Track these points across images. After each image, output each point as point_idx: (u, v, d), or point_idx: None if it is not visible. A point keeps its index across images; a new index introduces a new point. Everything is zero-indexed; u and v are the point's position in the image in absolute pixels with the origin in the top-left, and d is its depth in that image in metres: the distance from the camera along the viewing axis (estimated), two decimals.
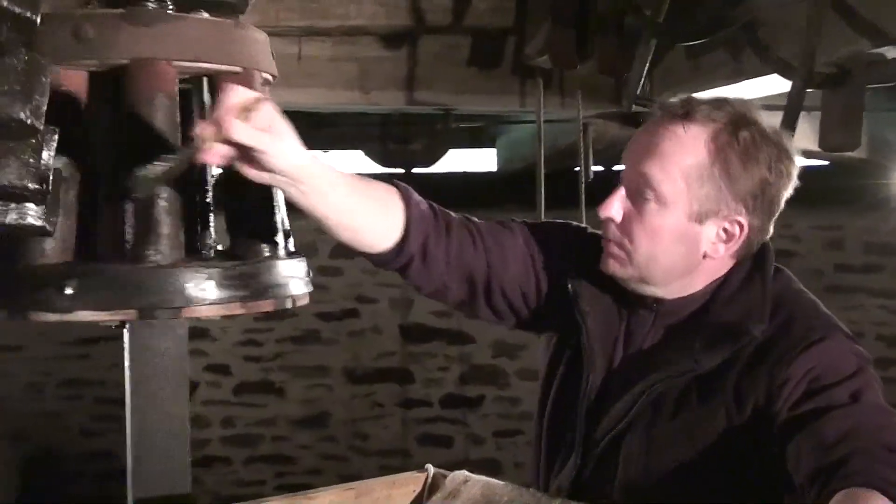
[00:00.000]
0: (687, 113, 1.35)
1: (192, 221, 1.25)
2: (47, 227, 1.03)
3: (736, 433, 1.33)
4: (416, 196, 1.48)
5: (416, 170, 5.45)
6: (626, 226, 1.40)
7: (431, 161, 5.51)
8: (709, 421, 1.34)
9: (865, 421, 1.23)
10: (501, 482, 1.26)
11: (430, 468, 1.34)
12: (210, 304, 1.20)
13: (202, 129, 1.09)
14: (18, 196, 0.96)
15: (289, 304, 1.30)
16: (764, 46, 1.92)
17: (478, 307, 1.55)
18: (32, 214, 1.00)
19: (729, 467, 1.34)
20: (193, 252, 1.24)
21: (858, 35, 1.97)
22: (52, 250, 1.15)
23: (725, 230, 1.38)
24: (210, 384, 5.10)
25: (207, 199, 1.30)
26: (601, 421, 1.42)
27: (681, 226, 1.37)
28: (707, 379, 1.35)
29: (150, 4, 1.24)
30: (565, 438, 1.47)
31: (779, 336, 1.34)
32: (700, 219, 1.37)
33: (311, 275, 1.36)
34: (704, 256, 1.40)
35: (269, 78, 1.37)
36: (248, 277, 1.24)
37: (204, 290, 1.19)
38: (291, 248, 1.34)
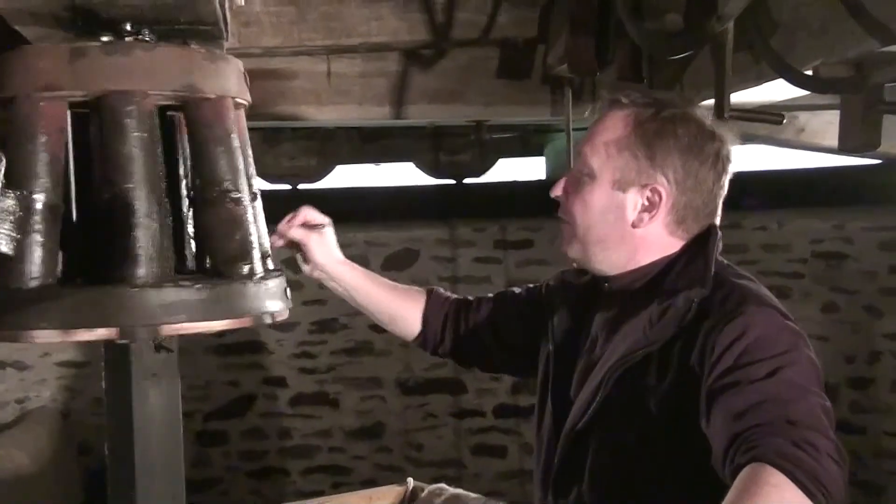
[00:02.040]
0: (616, 100, 1.54)
1: (170, 241, 1.29)
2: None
3: (687, 405, 1.36)
4: (444, 300, 1.95)
5: (466, 180, 5.49)
6: (567, 204, 1.58)
7: (481, 171, 5.54)
8: (665, 396, 1.39)
9: (775, 396, 1.25)
10: (475, 495, 1.27)
11: (411, 481, 1.36)
12: (188, 321, 1.24)
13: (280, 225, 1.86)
14: None
15: (267, 320, 1.33)
16: (767, 48, 1.87)
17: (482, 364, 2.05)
18: None
19: (688, 443, 1.36)
20: (170, 271, 1.27)
21: (867, 34, 1.91)
22: (37, 273, 1.20)
23: (648, 199, 1.49)
24: (267, 397, 5.20)
25: (184, 219, 1.34)
26: (569, 412, 1.47)
27: (606, 194, 1.51)
28: (661, 355, 1.41)
29: (129, 35, 1.30)
30: (541, 436, 1.53)
31: (715, 306, 1.41)
32: (622, 186, 1.50)
33: (288, 292, 1.39)
34: (634, 226, 1.50)
35: (243, 103, 1.41)
36: (225, 295, 1.28)
37: (183, 307, 1.23)
38: (270, 266, 1.37)
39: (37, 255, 1.20)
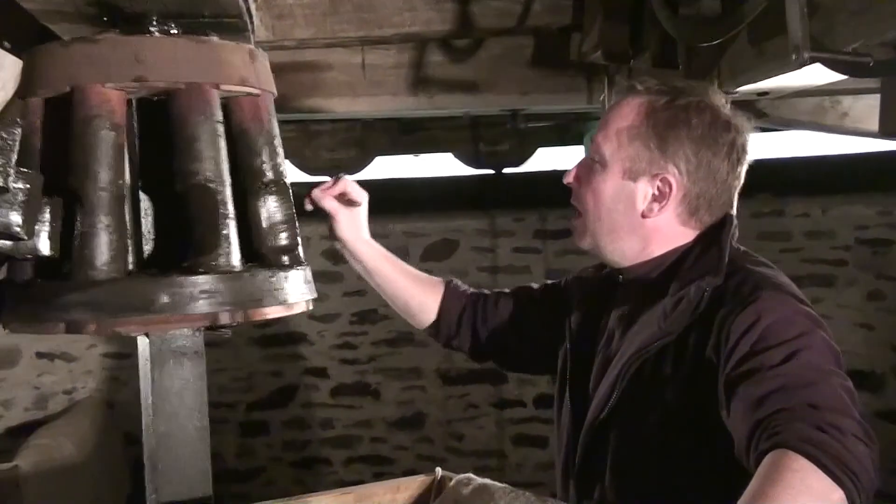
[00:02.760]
0: (633, 87, 1.51)
1: (153, 236, 1.30)
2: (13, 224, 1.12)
3: (705, 396, 1.34)
4: (463, 293, 1.92)
5: (505, 170, 5.46)
6: (578, 191, 1.56)
7: (520, 161, 5.51)
8: (682, 387, 1.37)
9: (794, 380, 1.22)
10: (501, 485, 1.27)
11: (439, 471, 1.36)
12: (232, 310, 1.25)
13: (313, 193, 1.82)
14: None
15: (308, 308, 1.34)
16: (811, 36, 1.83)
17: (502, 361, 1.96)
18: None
19: (708, 434, 1.34)
20: (163, 265, 1.28)
21: None
22: (103, 264, 1.21)
23: (659, 189, 1.46)
24: (309, 387, 5.25)
25: (161, 213, 1.34)
26: (588, 407, 1.46)
27: (617, 183, 1.49)
28: (677, 346, 1.39)
29: (153, 29, 1.31)
30: (560, 431, 1.52)
31: (729, 294, 1.38)
32: (633, 176, 1.47)
33: (312, 283, 1.40)
34: (644, 216, 1.48)
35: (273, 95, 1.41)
36: (286, 283, 1.30)
37: (224, 297, 1.24)
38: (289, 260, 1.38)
39: (110, 245, 1.21)
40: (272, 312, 1.28)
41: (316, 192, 1.82)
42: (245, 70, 1.30)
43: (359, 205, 1.86)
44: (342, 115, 4.10)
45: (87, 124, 1.21)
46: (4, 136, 1.07)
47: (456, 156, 5.50)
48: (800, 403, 1.17)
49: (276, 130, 1.39)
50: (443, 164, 5.58)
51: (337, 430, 5.27)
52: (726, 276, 1.41)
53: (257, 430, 5.22)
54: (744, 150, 1.50)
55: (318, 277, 1.48)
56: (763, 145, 4.88)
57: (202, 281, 1.21)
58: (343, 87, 3.02)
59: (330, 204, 1.82)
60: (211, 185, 1.23)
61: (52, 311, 1.20)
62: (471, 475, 1.33)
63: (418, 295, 1.93)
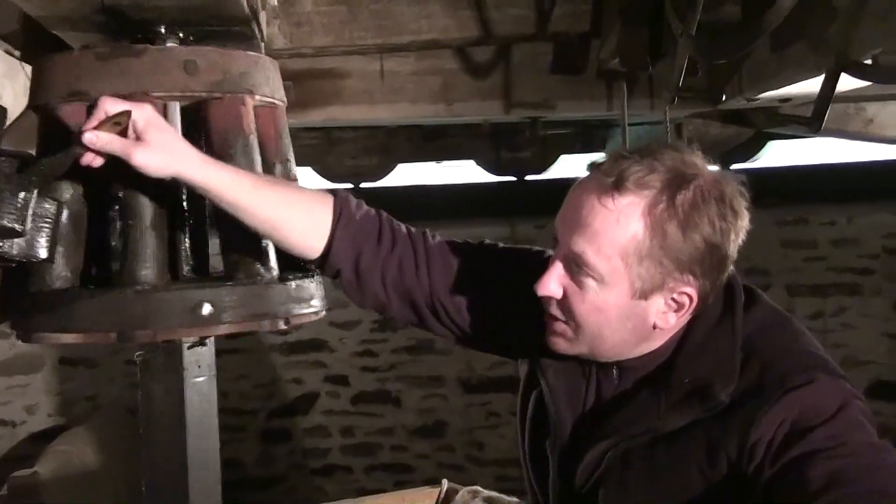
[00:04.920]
0: (618, 181, 1.24)
1: (185, 244, 1.30)
2: (39, 254, 1.12)
3: (713, 490, 1.25)
4: (357, 210, 1.47)
5: (527, 177, 5.44)
6: (567, 302, 1.31)
7: (543, 168, 5.48)
8: (682, 477, 1.27)
9: (850, 462, 1.13)
10: (510, 498, 1.25)
11: (445, 483, 1.34)
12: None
13: (73, 137, 1.23)
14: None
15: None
16: (822, 39, 1.80)
17: (428, 326, 1.53)
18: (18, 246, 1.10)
19: None
20: (186, 273, 1.29)
21: None
22: (57, 277, 1.23)
23: (674, 300, 1.29)
24: (330, 394, 5.24)
25: (201, 223, 1.35)
26: (574, 474, 1.36)
27: (625, 304, 1.28)
28: (675, 435, 1.28)
29: (164, 42, 1.31)
30: (546, 489, 1.43)
31: (750, 392, 1.25)
32: (644, 295, 1.28)
33: (314, 296, 1.39)
34: (655, 327, 1.31)
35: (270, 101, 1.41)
36: (318, 289, 1.30)
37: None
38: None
39: (153, 255, 1.22)
40: (308, 318, 1.28)
41: (88, 138, 1.24)
42: (268, 81, 1.30)
43: (129, 115, 1.26)
44: (361, 123, 4.10)
45: None
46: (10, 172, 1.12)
47: (478, 163, 5.48)
48: (864, 489, 1.09)
49: (289, 140, 1.39)
50: (465, 171, 5.58)
51: (358, 437, 5.26)
52: (741, 364, 1.28)
53: (278, 437, 5.22)
54: (746, 227, 1.32)
55: (339, 284, 1.43)
56: (786, 152, 4.82)
57: (241, 289, 1.21)
58: (361, 94, 3.02)
59: (112, 144, 1.25)
60: None
61: (101, 320, 1.21)
62: (478, 487, 1.31)
63: (287, 224, 1.40)
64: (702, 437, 1.26)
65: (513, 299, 1.47)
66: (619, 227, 1.24)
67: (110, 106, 1.23)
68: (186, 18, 1.28)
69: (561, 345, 1.35)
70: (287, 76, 1.57)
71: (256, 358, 5.09)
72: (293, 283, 1.31)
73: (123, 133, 1.23)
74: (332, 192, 1.49)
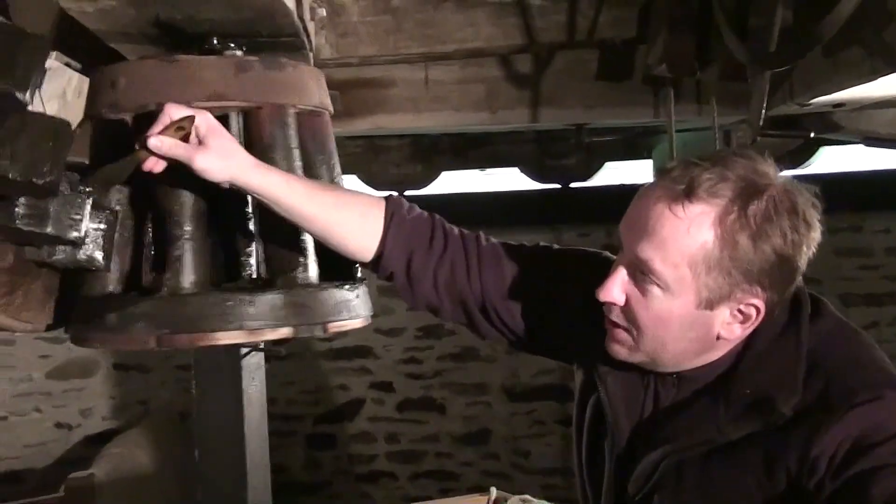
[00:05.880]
0: (689, 189, 1.23)
1: (231, 251, 1.33)
2: (97, 263, 1.16)
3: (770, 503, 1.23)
4: (409, 213, 1.48)
5: (572, 184, 5.42)
6: (630, 309, 1.29)
7: (587, 175, 5.45)
8: (738, 490, 1.25)
9: None
10: None
11: (494, 491, 1.33)
12: (292, 326, 1.27)
13: (139, 142, 1.27)
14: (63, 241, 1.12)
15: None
16: (887, 45, 1.77)
17: (478, 329, 1.53)
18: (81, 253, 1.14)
19: None
20: (230, 280, 1.31)
21: None
22: (109, 283, 1.26)
23: (741, 311, 1.26)
24: (375, 401, 5.27)
25: (241, 229, 1.37)
26: (629, 482, 1.35)
27: (689, 313, 1.26)
28: (733, 447, 1.26)
29: (217, 49, 1.34)
30: (600, 496, 1.42)
31: (813, 405, 1.22)
32: (710, 305, 1.26)
33: (362, 300, 1.40)
34: (718, 338, 1.28)
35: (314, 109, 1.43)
36: (360, 296, 1.31)
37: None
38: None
39: (194, 260, 1.25)
40: (349, 325, 1.29)
41: (154, 143, 1.27)
42: (314, 90, 1.32)
43: (198, 124, 1.30)
44: (406, 131, 4.13)
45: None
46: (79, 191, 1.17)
47: (522, 170, 5.48)
48: None
49: (334, 147, 1.40)
50: (509, 179, 5.58)
51: (402, 444, 5.28)
52: (805, 376, 1.25)
53: (324, 443, 5.27)
54: (817, 240, 1.29)
55: (384, 291, 1.46)
56: (840, 159, 4.74)
57: (282, 296, 1.23)
58: (406, 102, 3.04)
59: (171, 149, 1.28)
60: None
61: (141, 326, 1.24)
62: (528, 496, 1.31)
63: (341, 229, 1.42)
64: (760, 449, 1.24)
65: (570, 302, 1.45)
66: (688, 235, 1.22)
67: (174, 111, 1.26)
68: (238, 30, 1.31)
69: (621, 352, 1.33)
70: (333, 86, 1.59)
71: (303, 364, 5.14)
72: (334, 291, 1.32)
73: (185, 139, 1.27)
74: (385, 195, 1.51)
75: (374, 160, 5.26)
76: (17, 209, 1.15)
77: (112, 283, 1.26)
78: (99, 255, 1.25)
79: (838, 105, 2.93)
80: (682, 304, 1.25)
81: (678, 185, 1.24)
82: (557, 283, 1.48)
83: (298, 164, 1.36)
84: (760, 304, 1.26)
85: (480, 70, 3.02)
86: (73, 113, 1.44)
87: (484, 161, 5.49)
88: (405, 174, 5.34)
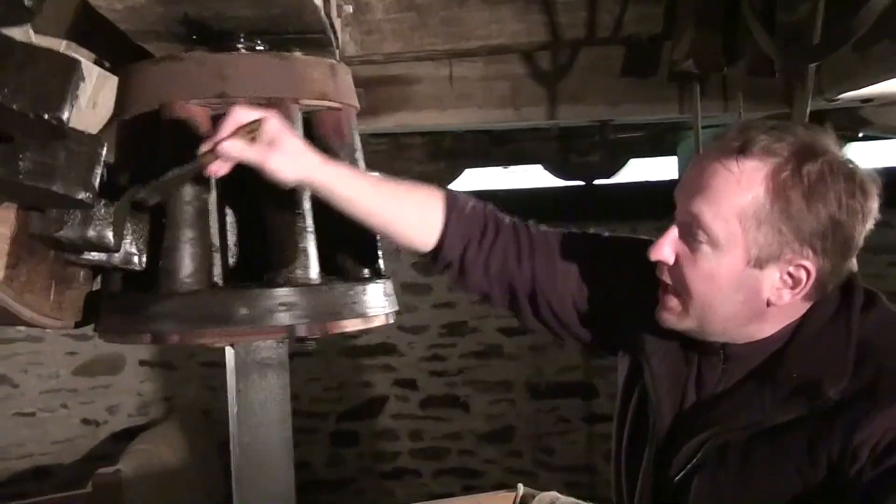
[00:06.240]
0: (743, 145, 1.22)
1: (250, 247, 1.33)
2: (133, 266, 1.16)
3: (809, 491, 1.22)
4: (465, 203, 1.50)
5: (596, 181, 5.40)
6: (679, 270, 1.29)
7: (612, 172, 5.43)
8: (779, 475, 1.24)
9: None
10: None
11: (521, 487, 1.33)
12: (318, 322, 1.27)
13: (204, 146, 1.25)
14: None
15: (391, 320, 1.35)
16: None
17: (525, 319, 1.54)
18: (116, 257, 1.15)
19: None
20: (267, 276, 1.31)
21: None
22: (186, 277, 1.25)
23: (790, 274, 1.24)
24: (399, 398, 5.28)
25: (250, 227, 1.37)
26: (669, 465, 1.34)
27: (738, 271, 1.24)
28: (777, 431, 1.24)
29: (241, 47, 1.34)
30: (638, 481, 1.40)
31: (861, 393, 1.20)
32: (760, 264, 1.24)
33: (393, 296, 1.40)
34: (768, 304, 1.26)
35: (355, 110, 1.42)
36: (353, 297, 1.30)
37: (312, 310, 1.26)
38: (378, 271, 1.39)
39: (193, 258, 1.25)
40: (350, 325, 1.28)
41: (226, 147, 1.26)
42: (325, 85, 1.31)
43: (266, 122, 1.29)
44: (430, 128, 4.12)
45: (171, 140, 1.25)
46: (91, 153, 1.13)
47: (545, 167, 5.46)
48: None
49: (358, 144, 1.40)
50: (531, 176, 5.56)
51: (426, 441, 5.29)
52: (855, 363, 1.23)
53: (348, 440, 5.28)
54: (876, 212, 1.27)
55: (407, 289, 1.47)
56: (867, 154, 4.69)
57: (280, 294, 1.23)
58: (430, 100, 3.03)
59: (246, 153, 1.28)
60: (289, 198, 1.25)
61: (139, 322, 1.24)
62: (555, 493, 1.31)
63: (401, 222, 1.46)
64: (804, 435, 1.23)
65: (619, 286, 1.46)
66: (740, 189, 1.22)
67: (243, 115, 1.26)
68: (265, 27, 1.31)
69: (670, 320, 1.32)
70: (358, 83, 1.58)
71: (326, 361, 5.16)
72: (339, 288, 1.31)
73: (252, 141, 1.26)
74: (440, 188, 1.53)
75: (397, 157, 5.26)
76: (21, 162, 1.05)
77: (217, 277, 1.26)
78: (109, 234, 1.19)
79: (866, 100, 2.90)
80: (731, 261, 1.24)
81: (733, 143, 1.24)
82: (608, 269, 1.49)
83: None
84: (811, 267, 1.24)
85: (505, 67, 3.01)
86: (85, 122, 1.44)
87: (507, 158, 5.48)
88: (428, 172, 5.34)
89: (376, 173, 1.46)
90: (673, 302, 1.31)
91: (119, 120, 1.36)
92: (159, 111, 1.27)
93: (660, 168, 5.48)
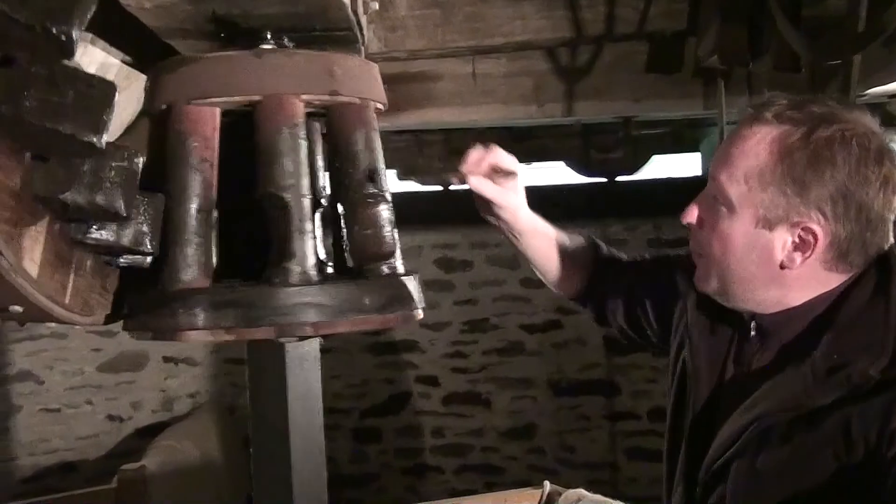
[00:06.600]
0: (761, 113, 1.28)
1: (317, 243, 1.33)
2: (143, 248, 1.14)
3: (846, 476, 1.21)
4: (604, 252, 1.82)
5: (618, 178, 5.38)
6: (701, 234, 1.37)
7: (634, 168, 5.41)
8: (817, 460, 1.24)
9: None
10: (613, 501, 1.23)
11: (547, 485, 1.33)
12: (338, 321, 1.27)
13: (463, 166, 1.59)
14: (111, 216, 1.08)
15: (410, 321, 1.35)
16: None
17: (627, 332, 1.81)
18: (125, 235, 1.12)
19: None
20: (319, 272, 1.30)
21: None
22: (193, 275, 1.26)
23: (800, 237, 1.27)
24: (421, 395, 5.29)
25: (328, 222, 1.37)
26: (709, 447, 1.34)
27: (749, 232, 1.30)
28: (816, 414, 1.24)
29: (270, 44, 1.34)
30: (677, 460, 1.41)
31: None
32: (768, 225, 1.28)
33: (422, 292, 1.40)
34: (782, 266, 1.29)
35: (380, 107, 1.42)
36: (371, 295, 1.30)
37: (333, 307, 1.26)
38: (402, 267, 1.38)
39: (191, 257, 1.25)
40: (343, 327, 1.27)
41: (469, 166, 1.59)
42: (338, 80, 1.30)
43: (514, 177, 1.63)
44: (453, 125, 4.12)
45: (178, 139, 1.27)
46: (127, 163, 1.10)
47: (567, 164, 5.45)
48: None
49: (378, 140, 1.39)
50: (553, 173, 5.55)
51: (448, 438, 5.30)
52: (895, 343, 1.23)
53: (370, 436, 5.30)
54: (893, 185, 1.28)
55: (430, 286, 1.48)
56: None
57: (273, 293, 1.22)
58: (453, 96, 3.03)
59: (488, 189, 1.59)
60: (284, 195, 1.24)
61: (143, 319, 1.26)
62: (582, 490, 1.30)
63: (559, 268, 1.80)
64: (841, 417, 1.23)
65: (678, 284, 1.60)
66: (750, 151, 1.28)
67: (502, 156, 1.60)
68: (292, 25, 1.31)
69: (700, 283, 1.41)
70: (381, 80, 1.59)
71: (349, 358, 5.18)
72: (342, 287, 1.31)
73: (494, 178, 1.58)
74: (584, 236, 1.85)
75: (419, 154, 5.27)
76: (27, 102, 0.96)
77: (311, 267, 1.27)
78: (121, 204, 1.10)
79: (894, 95, 2.87)
80: (742, 222, 1.30)
81: (753, 111, 1.32)
82: (671, 274, 1.65)
83: (303, 165, 1.35)
84: (819, 231, 1.26)
85: (528, 63, 3.01)
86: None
87: (529, 155, 5.47)
88: (450, 168, 5.34)
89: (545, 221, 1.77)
90: (700, 265, 1.39)
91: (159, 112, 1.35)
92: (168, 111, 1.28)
93: (682, 164, 5.46)
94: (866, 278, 1.30)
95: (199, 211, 1.27)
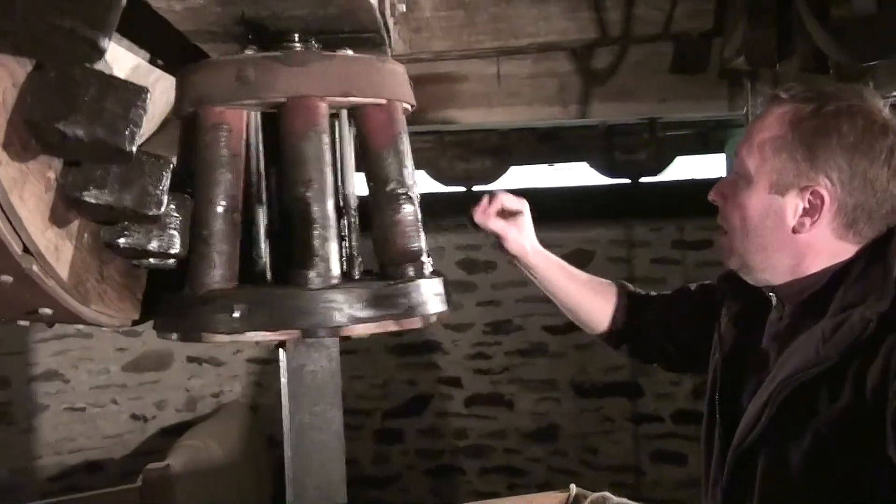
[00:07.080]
0: (780, 96, 1.41)
1: (342, 245, 1.33)
2: (172, 250, 1.15)
3: (863, 430, 1.25)
4: (632, 296, 1.91)
5: (642, 179, 5.36)
6: (725, 209, 1.49)
7: (658, 170, 5.38)
8: (837, 419, 1.28)
9: None
10: None
11: (573, 488, 1.33)
12: (364, 322, 1.27)
13: (475, 212, 1.79)
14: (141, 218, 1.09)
15: (433, 321, 1.35)
16: None
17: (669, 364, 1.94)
18: (154, 238, 1.14)
19: (864, 472, 1.26)
20: (344, 274, 1.31)
21: None
22: (220, 277, 1.26)
23: (810, 202, 1.37)
24: (443, 396, 5.29)
25: (354, 223, 1.37)
26: (737, 426, 1.40)
27: (763, 198, 1.40)
28: (835, 372, 1.30)
29: (297, 46, 1.34)
30: (712, 450, 1.45)
31: None
32: (780, 190, 1.39)
33: (450, 293, 1.40)
34: (794, 231, 1.38)
35: (408, 107, 1.42)
36: (396, 296, 1.30)
37: (359, 309, 1.26)
38: (430, 268, 1.38)
39: (218, 259, 1.26)
40: (368, 328, 1.27)
41: (478, 216, 1.80)
42: (365, 81, 1.31)
43: (521, 214, 1.82)
44: (478, 126, 4.12)
45: (205, 142, 1.28)
46: (157, 165, 1.11)
47: (591, 165, 5.43)
48: None
49: (406, 140, 1.39)
50: (577, 174, 5.53)
51: (471, 439, 5.29)
52: (894, 298, 1.30)
53: (393, 437, 5.30)
54: None
55: (453, 287, 1.48)
56: None
57: (299, 294, 1.23)
58: (478, 97, 3.04)
59: (496, 225, 1.79)
60: (307, 197, 1.24)
61: (170, 320, 1.27)
62: (607, 493, 1.30)
63: (586, 305, 1.93)
64: (854, 369, 1.29)
65: (712, 303, 1.70)
66: (765, 126, 1.42)
67: (508, 199, 1.78)
68: (320, 27, 1.32)
69: (725, 259, 1.51)
70: None
71: (371, 359, 5.18)
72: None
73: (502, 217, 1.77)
74: (614, 282, 1.95)
75: (442, 155, 5.28)
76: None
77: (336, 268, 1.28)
78: (151, 206, 1.11)
79: None
80: (758, 190, 1.41)
81: (774, 95, 1.45)
82: (705, 299, 1.77)
83: (326, 167, 1.34)
84: (826, 195, 1.36)
85: (553, 64, 3.01)
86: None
87: (553, 156, 5.47)
88: (473, 169, 5.34)
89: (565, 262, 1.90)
90: (724, 240, 1.49)
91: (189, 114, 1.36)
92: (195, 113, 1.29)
93: (707, 165, 5.42)
94: (869, 250, 1.39)
95: (226, 212, 1.28)
